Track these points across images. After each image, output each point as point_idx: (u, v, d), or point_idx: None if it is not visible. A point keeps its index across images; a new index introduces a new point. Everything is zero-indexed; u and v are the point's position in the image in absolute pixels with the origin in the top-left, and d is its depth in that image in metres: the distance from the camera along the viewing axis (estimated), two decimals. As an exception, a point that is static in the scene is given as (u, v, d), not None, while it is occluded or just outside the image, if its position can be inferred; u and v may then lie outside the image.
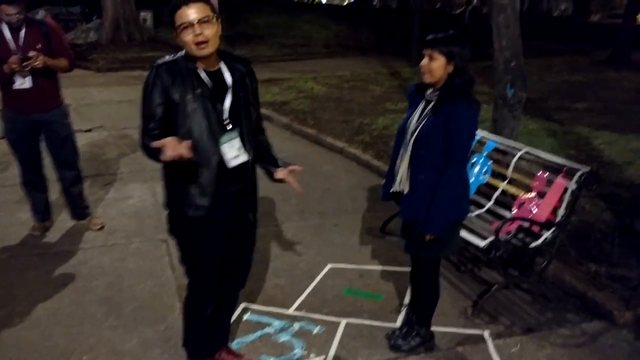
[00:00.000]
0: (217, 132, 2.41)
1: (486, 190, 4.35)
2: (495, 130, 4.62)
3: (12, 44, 4.11)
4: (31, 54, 4.04)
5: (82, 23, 16.33)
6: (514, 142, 4.36)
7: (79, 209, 4.69)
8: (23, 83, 4.17)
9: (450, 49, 2.64)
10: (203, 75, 2.39)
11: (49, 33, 4.25)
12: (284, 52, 15.94)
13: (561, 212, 3.65)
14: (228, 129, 2.43)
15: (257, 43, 16.59)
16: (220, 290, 2.74)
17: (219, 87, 2.43)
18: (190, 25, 2.28)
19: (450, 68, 2.66)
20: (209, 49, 2.33)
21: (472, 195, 4.41)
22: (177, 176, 2.47)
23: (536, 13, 21.85)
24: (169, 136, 2.24)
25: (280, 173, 2.63)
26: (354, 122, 8.12)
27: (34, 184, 4.55)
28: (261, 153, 2.69)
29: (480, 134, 4.55)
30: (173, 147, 2.12)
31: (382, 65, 13.98)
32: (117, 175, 6.10)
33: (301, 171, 2.64)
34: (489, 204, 4.24)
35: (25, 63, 4.04)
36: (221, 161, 2.43)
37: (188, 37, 2.30)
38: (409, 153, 2.80)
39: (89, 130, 7.79)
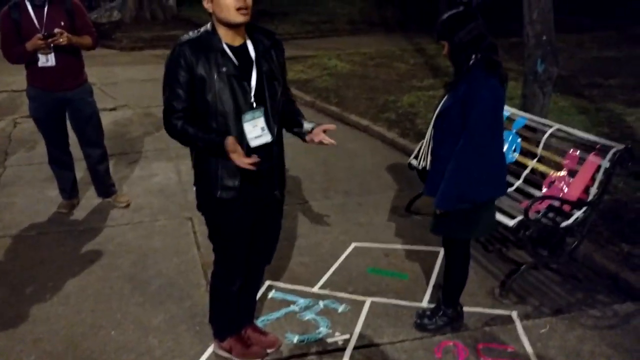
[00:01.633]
0: (244, 111, 2.38)
1: (515, 168, 4.24)
2: (525, 107, 4.50)
3: (36, 22, 4.10)
4: (56, 31, 4.03)
5: (106, 2, 16.33)
6: (544, 119, 4.24)
7: (105, 187, 4.72)
8: (47, 61, 4.17)
9: (446, 34, 2.68)
10: (228, 51, 2.35)
11: (73, 10, 4.24)
12: (308, 29, 15.72)
13: (593, 191, 3.55)
14: (254, 107, 2.39)
15: (280, 20, 16.40)
16: (247, 267, 2.74)
17: (245, 63, 2.38)
18: None
19: None
20: (247, 17, 2.29)
21: (501, 173, 4.32)
22: (205, 157, 2.46)
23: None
24: (193, 116, 2.33)
25: (313, 133, 2.53)
26: (379, 99, 8.02)
27: (60, 162, 4.58)
28: (291, 120, 2.64)
29: (509, 110, 4.44)
30: (240, 160, 2.24)
31: (407, 42, 13.73)
32: (142, 153, 6.12)
33: (325, 149, 2.59)
34: (518, 183, 4.14)
35: (49, 40, 4.04)
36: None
37: (229, 1, 2.25)
38: (430, 130, 2.78)
39: (114, 109, 7.83)
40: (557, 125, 4.07)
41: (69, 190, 4.65)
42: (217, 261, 2.72)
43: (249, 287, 2.90)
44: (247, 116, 2.38)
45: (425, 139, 2.93)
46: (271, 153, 2.50)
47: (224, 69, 2.32)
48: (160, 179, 5.38)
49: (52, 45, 4.06)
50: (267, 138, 2.44)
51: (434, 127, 2.88)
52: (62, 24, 4.14)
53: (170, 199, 4.93)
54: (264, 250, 2.82)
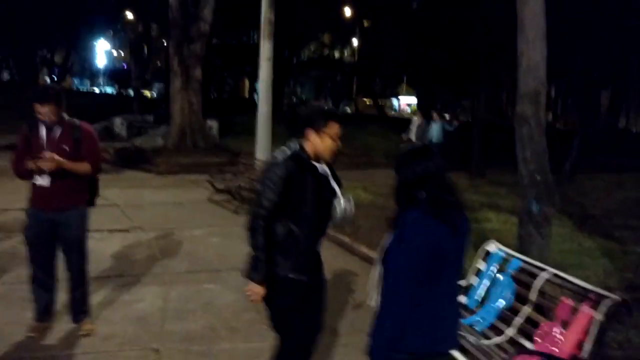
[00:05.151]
0: (326, 212, 3.08)
1: (509, 315, 3.85)
2: (521, 248, 4.18)
3: (44, 142, 4.23)
4: (46, 155, 4.13)
5: (154, 129, 17.33)
6: (539, 263, 3.89)
7: (75, 312, 4.57)
8: (42, 180, 4.24)
9: (395, 170, 2.56)
10: (322, 170, 3.05)
11: (80, 138, 4.35)
12: (343, 160, 16.07)
13: (587, 346, 3.11)
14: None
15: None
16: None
17: (325, 178, 3.08)
18: (338, 137, 3.01)
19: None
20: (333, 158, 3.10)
21: (494, 320, 3.92)
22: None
23: (595, 127, 21.03)
24: (279, 219, 2.98)
25: None
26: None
27: (40, 281, 4.47)
28: None
29: (504, 251, 4.13)
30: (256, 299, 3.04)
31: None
32: (137, 277, 5.98)
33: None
34: (511, 332, 3.72)
35: (38, 163, 4.13)
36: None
37: (332, 144, 3.01)
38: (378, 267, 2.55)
39: (126, 231, 7.87)
40: (552, 270, 3.72)
41: (42, 313, 4.49)
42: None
43: None
44: (340, 202, 3.10)
45: (374, 275, 2.66)
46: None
47: (323, 181, 3.04)
48: (143, 306, 5.18)
49: (39, 167, 4.14)
50: (350, 213, 3.16)
51: (381, 263, 2.64)
52: (67, 148, 4.25)
53: (145, 327, 4.69)
54: None
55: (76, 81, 46.61)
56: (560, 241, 6.90)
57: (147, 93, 39.73)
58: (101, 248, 7.00)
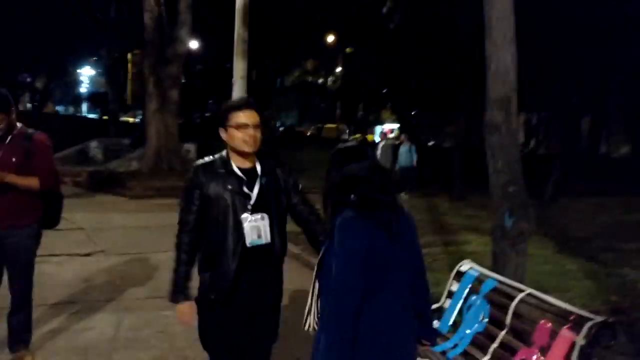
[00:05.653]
0: (242, 218, 2.71)
1: (484, 340, 3.50)
2: (496, 267, 3.86)
3: None
4: None
5: (129, 152, 16.94)
6: (515, 283, 3.57)
7: (12, 342, 4.12)
8: None
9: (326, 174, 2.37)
10: (237, 171, 2.76)
11: (32, 149, 3.97)
12: (322, 184, 15.76)
13: (569, 376, 2.77)
14: (251, 213, 2.72)
15: (298, 176, 16.52)
16: None
17: (251, 180, 2.78)
18: (245, 126, 2.72)
19: None
20: (253, 148, 2.75)
21: (467, 347, 3.58)
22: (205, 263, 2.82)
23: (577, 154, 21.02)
24: (200, 228, 2.77)
25: None
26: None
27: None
28: (312, 239, 2.99)
29: (478, 270, 3.82)
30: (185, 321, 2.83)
31: (420, 199, 13.46)
32: (90, 303, 5.56)
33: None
34: None
35: None
36: (244, 246, 2.71)
37: (239, 134, 2.72)
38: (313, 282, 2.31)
39: (88, 255, 7.45)
40: (528, 290, 3.40)
41: (-28, 343, 4.06)
42: None
43: None
44: (245, 220, 2.70)
45: (310, 295, 2.36)
46: (269, 261, 2.80)
47: (230, 187, 2.72)
48: (92, 334, 4.76)
49: None
50: (262, 241, 2.73)
51: (316, 279, 2.36)
52: (14, 159, 3.87)
53: (89, 358, 4.27)
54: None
55: (59, 107, 46.12)
56: (542, 263, 6.62)
57: (130, 119, 39.33)
58: (58, 273, 6.62)
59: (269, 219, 2.75)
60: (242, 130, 2.72)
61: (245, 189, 2.75)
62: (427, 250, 7.68)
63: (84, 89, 44.84)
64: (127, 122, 31.27)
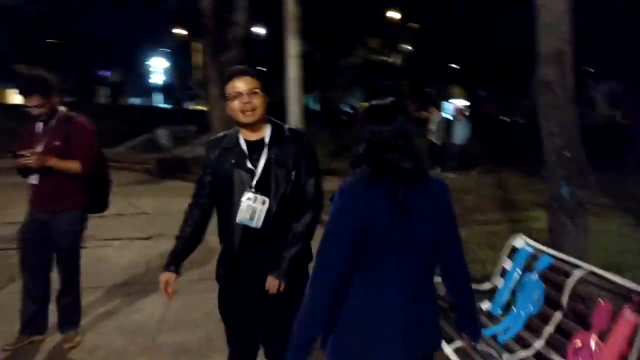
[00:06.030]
0: (243, 193, 2.57)
1: (538, 323, 3.19)
2: (553, 242, 3.50)
3: (36, 137, 3.95)
4: (26, 152, 3.82)
5: (196, 139, 17.25)
6: (574, 259, 3.21)
7: (61, 323, 4.22)
8: (33, 179, 3.97)
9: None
10: (242, 144, 2.60)
11: (71, 133, 4.01)
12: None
13: (631, 362, 2.44)
14: (252, 191, 2.56)
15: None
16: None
17: (257, 154, 2.60)
18: (239, 95, 2.53)
19: None
20: (253, 117, 2.55)
21: (520, 330, 3.26)
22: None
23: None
24: (213, 203, 2.71)
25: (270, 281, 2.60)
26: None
27: (26, 289, 4.14)
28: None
29: (532, 246, 3.48)
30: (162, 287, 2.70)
31: (490, 175, 12.90)
32: (144, 285, 5.63)
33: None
34: (539, 344, 3.06)
35: (21, 160, 3.83)
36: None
37: (235, 104, 2.53)
38: None
39: (147, 239, 7.59)
40: (588, 267, 3.04)
41: (24, 325, 4.13)
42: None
43: None
44: (245, 197, 2.55)
45: None
46: (264, 240, 2.59)
47: (233, 161, 2.58)
48: (140, 317, 4.79)
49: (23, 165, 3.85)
50: (253, 224, 2.56)
51: None
52: (57, 143, 3.93)
53: (136, 339, 4.29)
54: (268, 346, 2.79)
55: (134, 99, 48.04)
56: (615, 238, 6.08)
57: (199, 107, 40.32)
58: (118, 256, 6.78)
59: (268, 205, 2.57)
60: (238, 98, 2.55)
61: (249, 164, 2.59)
62: (491, 228, 7.31)
63: (156, 79, 46.36)
64: (195, 110, 32.03)
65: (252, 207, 2.56)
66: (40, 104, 3.89)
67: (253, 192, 2.56)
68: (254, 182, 2.57)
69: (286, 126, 2.72)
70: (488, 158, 16.03)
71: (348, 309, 1.94)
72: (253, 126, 2.60)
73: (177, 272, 2.72)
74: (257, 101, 2.55)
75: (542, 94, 3.38)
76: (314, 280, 1.94)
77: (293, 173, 2.60)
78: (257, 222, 2.56)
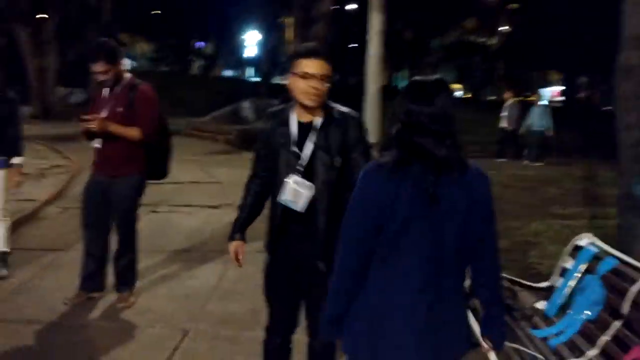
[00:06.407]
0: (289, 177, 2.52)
1: (594, 330, 2.91)
2: (621, 243, 3.16)
3: (102, 103, 4.11)
4: (89, 117, 3.97)
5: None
6: (641, 264, 2.89)
7: (117, 283, 4.39)
8: (96, 143, 4.13)
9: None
10: (293, 124, 2.52)
11: (134, 100, 4.12)
12: (472, 149, 14.84)
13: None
14: (298, 175, 2.49)
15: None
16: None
17: (305, 138, 2.52)
18: (312, 77, 2.41)
19: None
20: (315, 102, 2.45)
21: (573, 335, 3.00)
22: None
23: None
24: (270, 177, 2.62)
25: None
26: (499, 225, 6.74)
27: (87, 247, 4.33)
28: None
29: (599, 246, 3.17)
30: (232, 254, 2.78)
31: (577, 167, 12.11)
32: (204, 253, 5.76)
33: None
34: (592, 353, 2.80)
35: (85, 124, 3.98)
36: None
37: (302, 84, 2.42)
38: None
39: (216, 207, 7.74)
40: (656, 274, 2.71)
41: (84, 281, 4.34)
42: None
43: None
44: (290, 178, 2.49)
45: None
46: (307, 219, 2.52)
47: (282, 141, 2.52)
48: (195, 283, 4.89)
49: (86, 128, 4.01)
50: (298, 207, 2.50)
51: None
52: (120, 110, 4.06)
53: (186, 305, 4.38)
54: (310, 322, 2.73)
55: (226, 71, 49.17)
56: None
57: (284, 81, 40.68)
58: (185, 222, 6.98)
59: (313, 192, 2.49)
60: (307, 80, 2.42)
61: (295, 148, 2.51)
62: (569, 222, 6.86)
63: (250, 53, 47.21)
64: (279, 84, 32.57)
65: (296, 191, 2.51)
66: (105, 71, 4.00)
67: (299, 176, 2.50)
68: (300, 167, 2.51)
69: (338, 109, 2.60)
70: (579, 150, 15.06)
71: (364, 301, 1.87)
72: (311, 109, 2.51)
73: (243, 239, 2.76)
74: (325, 87, 2.45)
75: (623, 81, 3.01)
76: (336, 265, 1.94)
77: (340, 160, 2.52)
78: (302, 207, 2.50)
